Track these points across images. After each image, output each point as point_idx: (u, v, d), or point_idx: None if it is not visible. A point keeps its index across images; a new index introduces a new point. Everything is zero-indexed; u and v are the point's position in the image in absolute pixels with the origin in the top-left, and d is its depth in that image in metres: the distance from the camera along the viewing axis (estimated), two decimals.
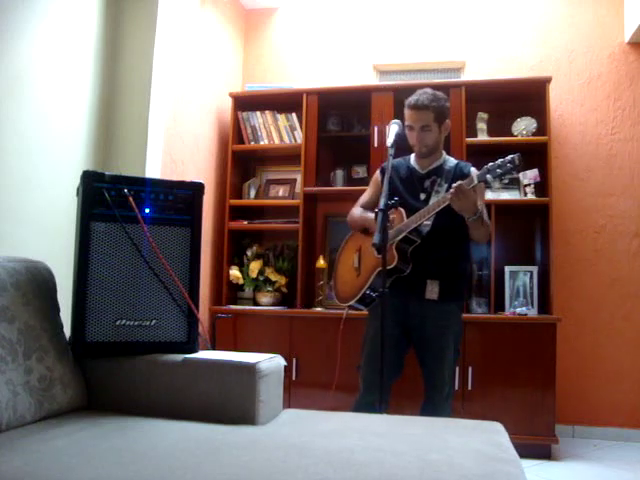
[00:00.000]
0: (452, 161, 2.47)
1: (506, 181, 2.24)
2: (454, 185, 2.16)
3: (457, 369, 2.98)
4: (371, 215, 2.32)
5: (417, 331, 2.37)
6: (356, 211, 2.57)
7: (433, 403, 2.34)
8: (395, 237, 2.29)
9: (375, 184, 2.57)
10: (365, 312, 2.48)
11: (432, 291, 2.31)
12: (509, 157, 2.12)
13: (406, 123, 2.39)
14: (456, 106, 3.31)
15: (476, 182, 2.16)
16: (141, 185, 1.70)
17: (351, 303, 2.46)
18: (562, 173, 3.54)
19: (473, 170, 2.40)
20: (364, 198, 2.60)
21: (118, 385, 1.65)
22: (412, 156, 2.51)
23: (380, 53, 3.90)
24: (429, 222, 2.31)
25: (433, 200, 2.33)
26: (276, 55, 4.06)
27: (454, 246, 2.39)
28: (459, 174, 2.38)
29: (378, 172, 2.57)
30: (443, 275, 2.34)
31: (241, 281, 3.56)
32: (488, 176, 2.14)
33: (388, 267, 2.25)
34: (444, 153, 2.48)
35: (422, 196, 2.40)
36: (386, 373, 2.05)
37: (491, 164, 2.15)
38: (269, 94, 3.67)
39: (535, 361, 2.99)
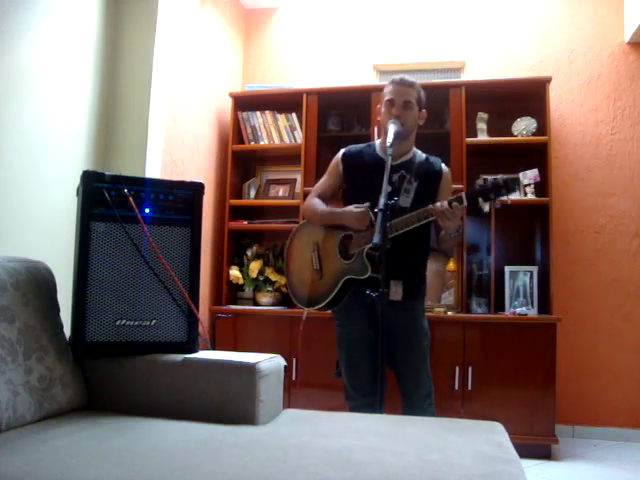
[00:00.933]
0: (421, 155, 2.34)
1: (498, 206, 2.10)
2: (444, 207, 2.07)
3: (458, 371, 2.99)
4: (349, 209, 2.20)
5: (386, 332, 2.20)
6: (317, 203, 2.37)
7: (413, 403, 2.27)
8: (366, 244, 2.19)
9: (334, 172, 2.41)
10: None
11: (396, 292, 2.24)
12: (502, 180, 2.02)
13: (386, 98, 2.26)
14: (456, 106, 3.32)
15: (465, 204, 2.06)
16: (141, 185, 1.70)
17: (319, 307, 2.36)
18: (562, 173, 3.54)
19: (444, 167, 2.34)
20: (320, 187, 2.44)
21: (118, 385, 1.65)
22: (377, 144, 2.38)
23: (380, 53, 3.90)
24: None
25: (402, 198, 2.21)
26: (276, 55, 4.06)
27: (418, 250, 2.32)
28: (431, 171, 2.30)
29: (339, 159, 2.39)
30: (406, 276, 2.27)
31: (241, 281, 3.56)
32: (480, 199, 2.05)
33: (361, 277, 2.21)
34: (414, 147, 2.36)
35: (387, 188, 2.19)
36: (377, 374, 2.02)
37: (482, 185, 2.07)
38: (269, 94, 3.67)
39: (535, 361, 2.99)
